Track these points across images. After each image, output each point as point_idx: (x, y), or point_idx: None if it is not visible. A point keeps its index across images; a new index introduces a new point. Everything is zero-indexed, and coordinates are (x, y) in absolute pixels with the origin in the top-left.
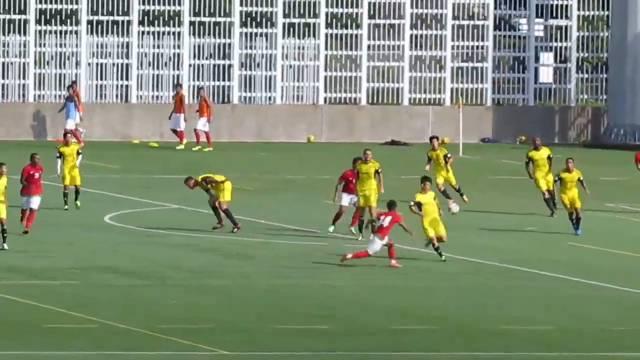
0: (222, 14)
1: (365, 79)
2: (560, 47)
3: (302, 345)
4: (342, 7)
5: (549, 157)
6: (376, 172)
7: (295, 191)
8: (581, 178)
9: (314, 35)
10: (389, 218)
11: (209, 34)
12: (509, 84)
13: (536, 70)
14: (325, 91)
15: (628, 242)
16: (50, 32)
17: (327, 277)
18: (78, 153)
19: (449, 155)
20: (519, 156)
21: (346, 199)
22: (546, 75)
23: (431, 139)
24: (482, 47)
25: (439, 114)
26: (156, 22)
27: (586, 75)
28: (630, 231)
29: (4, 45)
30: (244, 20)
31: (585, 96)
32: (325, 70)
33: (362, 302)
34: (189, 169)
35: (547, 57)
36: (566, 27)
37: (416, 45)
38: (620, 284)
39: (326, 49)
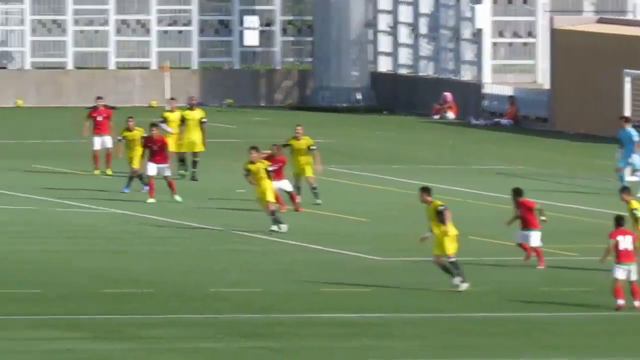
0: None
1: (72, 44)
2: (265, 11)
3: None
4: None
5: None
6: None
7: (5, 157)
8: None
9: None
10: None
11: None
12: (214, 47)
13: (241, 33)
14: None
15: (341, 204)
16: None
17: (45, 242)
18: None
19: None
20: (226, 119)
21: None
22: (251, 38)
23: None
24: (188, 11)
25: (145, 77)
26: None
27: (291, 38)
28: (341, 194)
29: None
30: None
31: (291, 59)
32: (32, 34)
33: (73, 268)
34: None
35: (251, 21)
36: None
37: (121, 9)
38: (337, 247)
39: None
